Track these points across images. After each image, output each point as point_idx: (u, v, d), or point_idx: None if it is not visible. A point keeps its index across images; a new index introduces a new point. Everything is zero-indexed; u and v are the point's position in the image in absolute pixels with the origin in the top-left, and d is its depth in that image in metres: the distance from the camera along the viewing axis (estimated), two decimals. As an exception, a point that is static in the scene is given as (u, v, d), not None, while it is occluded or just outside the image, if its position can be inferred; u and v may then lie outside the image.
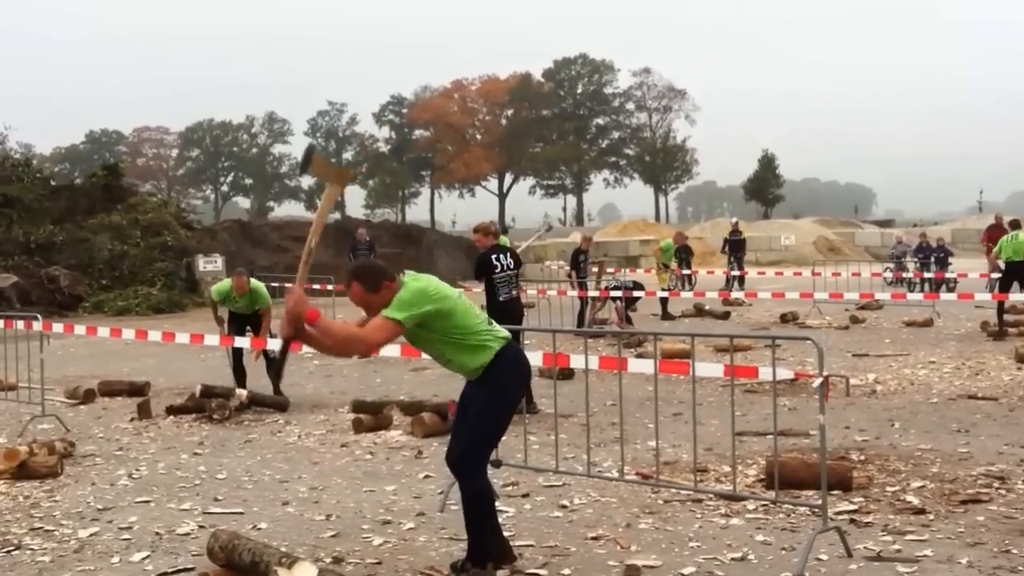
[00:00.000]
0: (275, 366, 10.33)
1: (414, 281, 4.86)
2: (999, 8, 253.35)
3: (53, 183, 31.32)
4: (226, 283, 10.84)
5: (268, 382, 10.39)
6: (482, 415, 4.97)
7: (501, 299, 9.70)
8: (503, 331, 5.08)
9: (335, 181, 5.14)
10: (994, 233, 26.67)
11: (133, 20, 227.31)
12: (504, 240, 20.74)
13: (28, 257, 25.78)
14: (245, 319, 10.82)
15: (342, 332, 4.77)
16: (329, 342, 4.75)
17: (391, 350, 9.79)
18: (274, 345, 10.15)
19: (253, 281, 10.77)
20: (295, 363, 14.01)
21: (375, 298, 4.81)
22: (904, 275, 26.45)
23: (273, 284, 21.96)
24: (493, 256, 9.84)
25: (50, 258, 25.82)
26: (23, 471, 7.48)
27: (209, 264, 27.09)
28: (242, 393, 10.45)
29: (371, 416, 9.25)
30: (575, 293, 17.61)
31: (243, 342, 10.50)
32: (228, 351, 10.91)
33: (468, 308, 4.99)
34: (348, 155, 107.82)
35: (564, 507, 6.41)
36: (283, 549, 5.34)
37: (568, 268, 19.07)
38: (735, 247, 29.60)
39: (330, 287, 20.59)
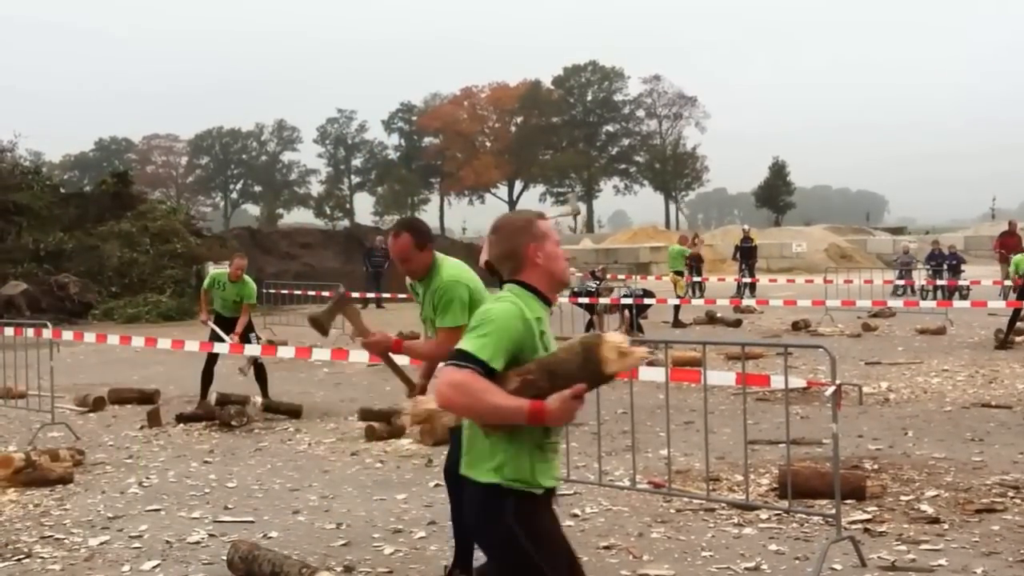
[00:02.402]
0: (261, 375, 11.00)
1: (455, 275, 4.91)
2: (1009, 6, 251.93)
3: (63, 191, 31.44)
4: (221, 272, 11.34)
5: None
6: None
7: None
8: None
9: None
10: (1007, 240, 26.60)
11: (137, 24, 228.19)
12: None
13: (38, 265, 25.84)
14: (228, 325, 10.86)
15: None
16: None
17: (400, 359, 9.76)
18: (252, 352, 10.70)
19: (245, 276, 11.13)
20: (305, 371, 14.00)
21: (417, 255, 4.94)
22: (899, 282, 26.07)
23: (283, 292, 22.17)
24: None
25: (60, 266, 25.87)
26: (35, 477, 7.47)
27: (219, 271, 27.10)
28: (257, 400, 10.68)
29: (385, 424, 9.23)
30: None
31: (222, 348, 10.65)
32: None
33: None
34: (357, 162, 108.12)
35: (575, 516, 6.37)
36: (294, 558, 5.32)
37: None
38: (746, 254, 29.57)
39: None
